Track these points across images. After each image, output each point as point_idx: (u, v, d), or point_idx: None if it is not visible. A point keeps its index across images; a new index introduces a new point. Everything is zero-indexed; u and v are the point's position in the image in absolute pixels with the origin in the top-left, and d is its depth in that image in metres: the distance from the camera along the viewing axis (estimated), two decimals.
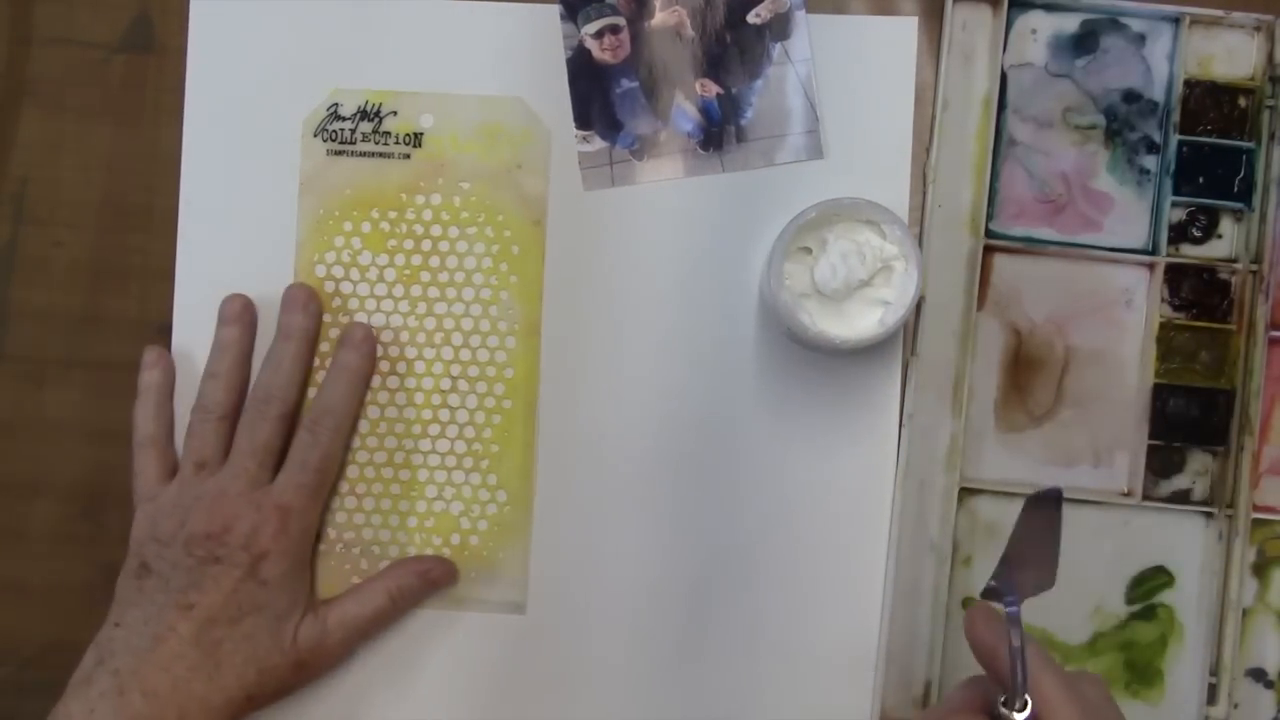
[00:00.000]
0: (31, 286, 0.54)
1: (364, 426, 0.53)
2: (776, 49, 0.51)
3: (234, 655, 0.46)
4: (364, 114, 0.53)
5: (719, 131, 0.51)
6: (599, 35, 0.51)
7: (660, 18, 0.50)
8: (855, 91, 0.53)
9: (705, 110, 0.51)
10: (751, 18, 0.51)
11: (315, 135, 0.53)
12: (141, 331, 0.53)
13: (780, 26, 0.51)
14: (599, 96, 0.51)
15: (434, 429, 0.53)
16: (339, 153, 0.53)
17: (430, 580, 0.51)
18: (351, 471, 0.53)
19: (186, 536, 0.47)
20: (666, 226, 0.53)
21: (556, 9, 0.53)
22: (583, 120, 0.51)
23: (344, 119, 0.53)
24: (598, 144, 0.52)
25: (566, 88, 0.53)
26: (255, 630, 0.47)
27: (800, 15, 0.51)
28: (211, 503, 0.48)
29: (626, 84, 0.51)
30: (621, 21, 0.51)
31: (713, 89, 0.51)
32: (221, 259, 0.53)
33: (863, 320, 0.47)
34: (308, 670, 0.49)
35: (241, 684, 0.46)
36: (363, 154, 0.53)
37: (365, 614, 0.50)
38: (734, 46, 0.51)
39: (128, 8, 0.54)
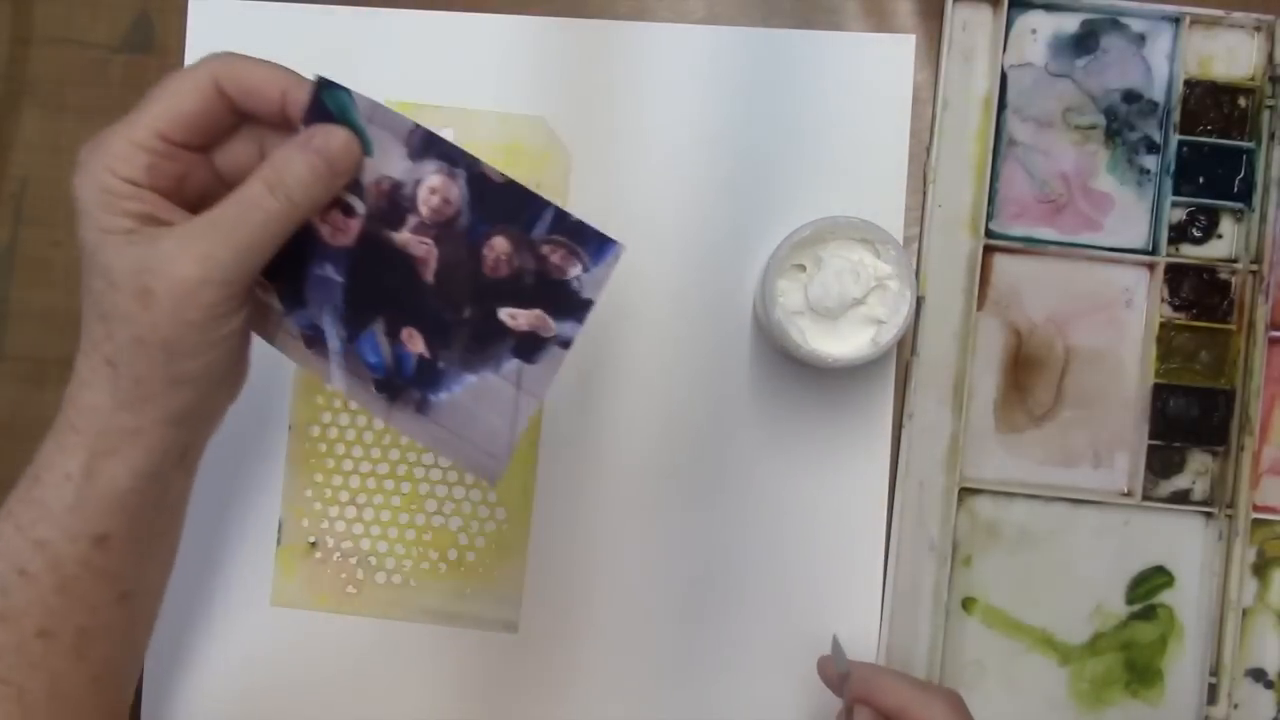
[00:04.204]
0: (31, 286, 0.54)
1: (368, 437, 0.53)
2: (510, 365, 0.39)
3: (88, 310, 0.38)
4: None
5: (401, 387, 0.41)
6: (327, 205, 0.39)
7: (405, 238, 0.39)
8: (852, 108, 0.53)
9: (398, 359, 0.41)
10: (504, 315, 0.39)
11: None
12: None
13: (530, 347, 0.39)
14: (295, 262, 0.40)
15: None
16: None
17: (329, 159, 0.38)
18: (353, 482, 0.53)
19: None
20: (666, 243, 0.53)
21: (580, 25, 0.53)
22: (274, 270, 0.39)
23: None
24: (275, 302, 0.42)
25: (589, 110, 0.53)
26: (86, 275, 0.38)
27: (556, 353, 0.39)
28: None
29: (330, 272, 0.40)
30: (359, 208, 0.39)
31: (418, 345, 0.40)
32: None
33: (856, 338, 0.47)
34: (154, 297, 0.36)
35: (91, 341, 0.38)
36: None
37: (233, 213, 0.37)
38: (467, 325, 0.39)
39: (128, 8, 0.54)
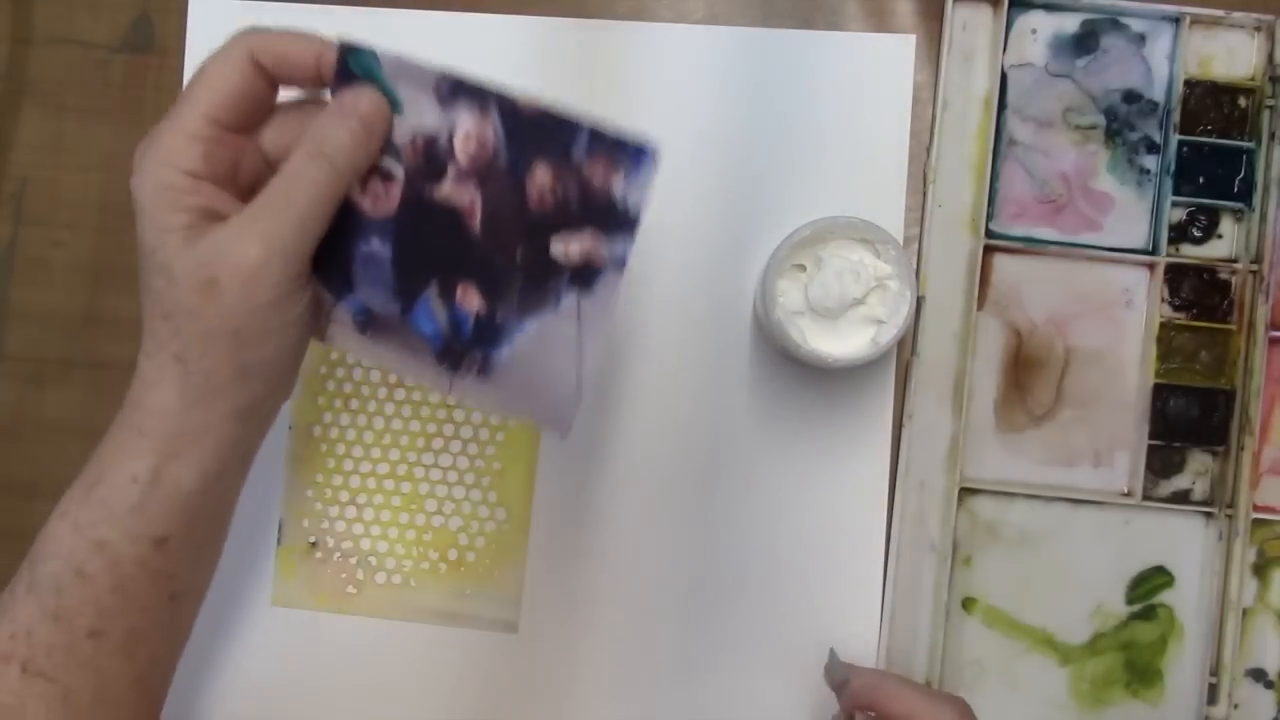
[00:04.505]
0: (31, 286, 0.54)
1: (368, 437, 0.53)
2: (569, 299, 0.39)
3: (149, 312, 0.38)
4: None
5: (462, 352, 0.41)
6: (365, 175, 0.39)
7: (449, 190, 0.38)
8: (852, 108, 0.53)
9: (455, 321, 0.40)
10: (556, 248, 0.38)
11: None
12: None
13: (587, 278, 0.38)
14: (339, 244, 0.39)
15: (437, 443, 0.53)
16: None
17: (363, 121, 0.38)
18: (353, 482, 0.53)
19: None
20: (666, 244, 0.53)
21: (579, 25, 0.53)
22: (319, 259, 0.39)
23: None
24: (324, 293, 0.41)
25: (586, 107, 0.53)
26: (147, 276, 0.38)
27: (613, 276, 0.38)
28: None
29: (376, 245, 0.40)
30: (397, 171, 0.39)
31: (474, 301, 0.40)
32: None
33: (856, 338, 0.47)
34: (220, 288, 0.37)
35: (156, 341, 0.38)
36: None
37: (281, 189, 0.37)
38: (521, 268, 0.39)
39: (128, 8, 0.54)
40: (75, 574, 0.39)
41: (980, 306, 0.52)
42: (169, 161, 0.37)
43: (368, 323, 0.41)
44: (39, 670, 0.39)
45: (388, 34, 0.53)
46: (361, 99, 0.38)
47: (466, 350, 0.41)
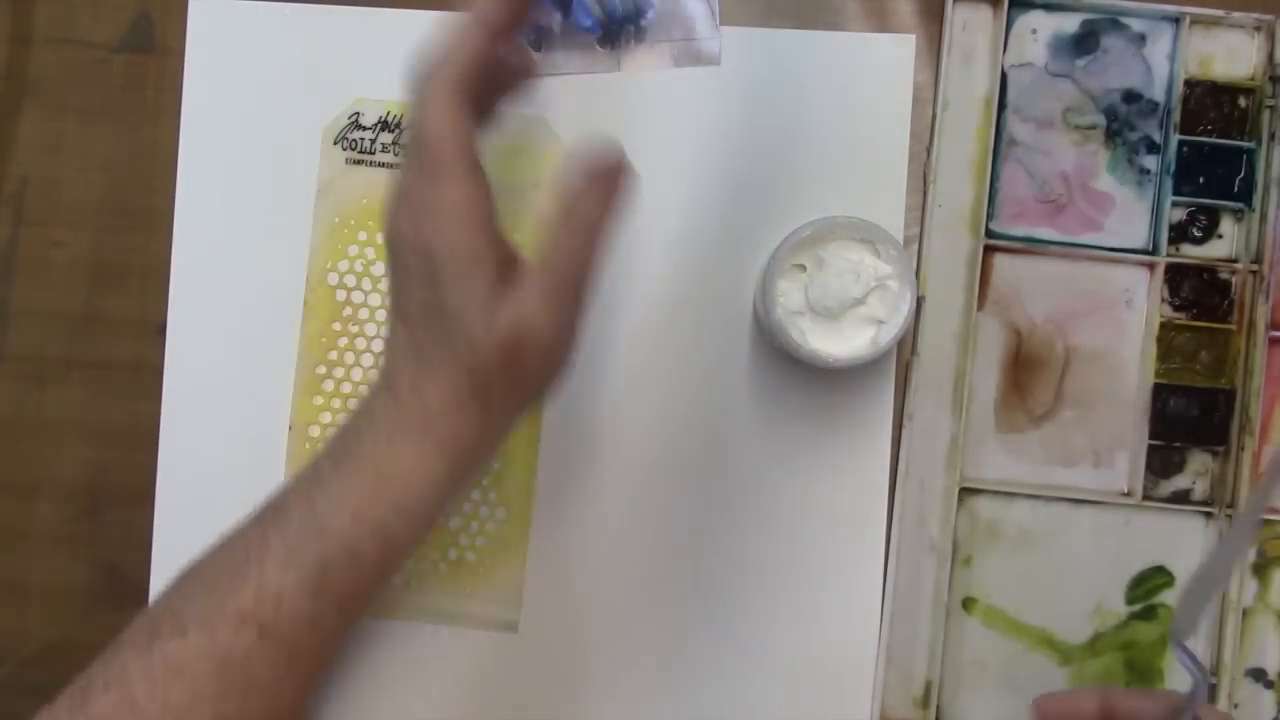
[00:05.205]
0: (31, 286, 0.54)
1: None
2: None
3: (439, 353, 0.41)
4: (384, 124, 0.53)
5: (618, 29, 0.51)
6: None
7: None
8: (852, 108, 0.52)
9: (606, 7, 0.51)
10: None
11: (335, 143, 0.53)
12: (141, 331, 0.53)
13: None
14: None
15: None
16: (358, 162, 0.53)
17: (615, 184, 0.41)
18: None
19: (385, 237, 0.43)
20: (666, 243, 0.53)
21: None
22: None
23: (365, 129, 0.53)
24: None
25: (590, 110, 0.53)
26: (447, 332, 0.41)
27: None
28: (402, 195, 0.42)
29: None
30: None
31: None
32: (222, 261, 0.53)
33: (856, 339, 0.47)
34: (523, 354, 0.40)
35: (456, 386, 0.41)
36: (381, 164, 0.53)
37: (566, 256, 0.40)
38: None
39: (128, 8, 0.54)
40: (348, 554, 0.40)
41: (980, 306, 0.52)
42: (462, 220, 0.40)
43: (539, 39, 0.51)
44: (278, 636, 0.40)
45: (389, 34, 0.53)
46: (607, 169, 0.40)
47: (621, 26, 0.51)
